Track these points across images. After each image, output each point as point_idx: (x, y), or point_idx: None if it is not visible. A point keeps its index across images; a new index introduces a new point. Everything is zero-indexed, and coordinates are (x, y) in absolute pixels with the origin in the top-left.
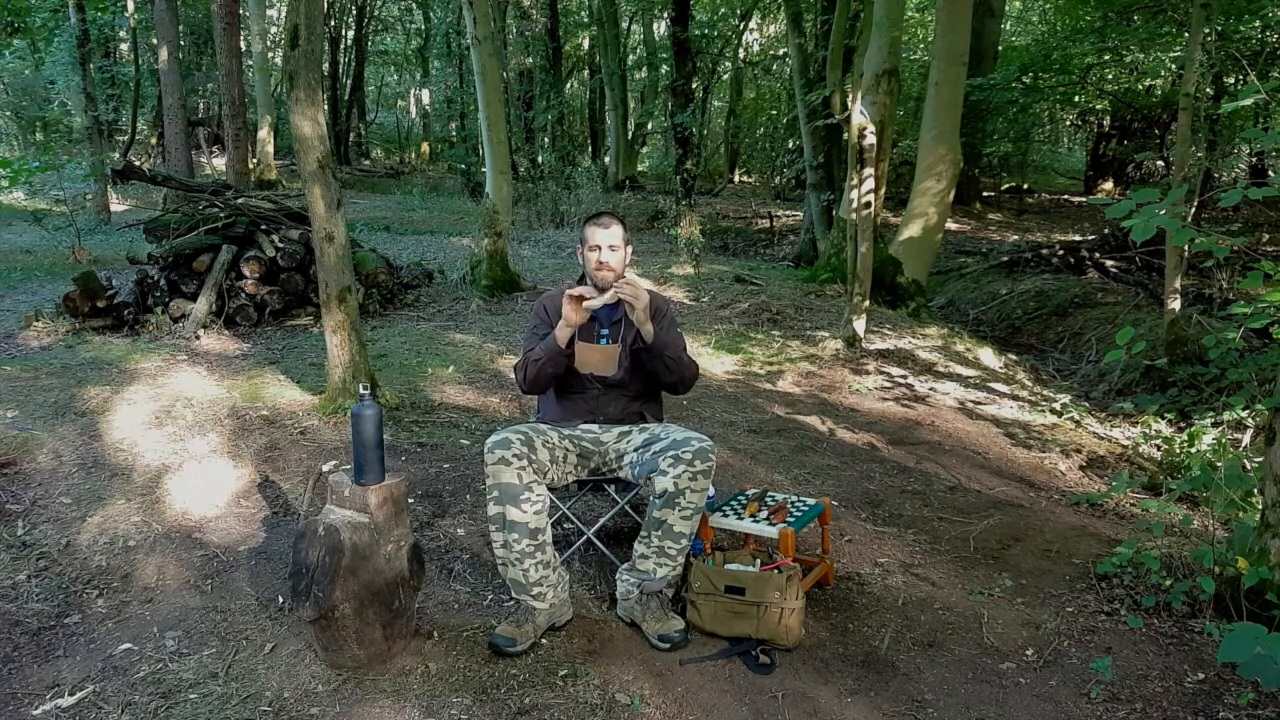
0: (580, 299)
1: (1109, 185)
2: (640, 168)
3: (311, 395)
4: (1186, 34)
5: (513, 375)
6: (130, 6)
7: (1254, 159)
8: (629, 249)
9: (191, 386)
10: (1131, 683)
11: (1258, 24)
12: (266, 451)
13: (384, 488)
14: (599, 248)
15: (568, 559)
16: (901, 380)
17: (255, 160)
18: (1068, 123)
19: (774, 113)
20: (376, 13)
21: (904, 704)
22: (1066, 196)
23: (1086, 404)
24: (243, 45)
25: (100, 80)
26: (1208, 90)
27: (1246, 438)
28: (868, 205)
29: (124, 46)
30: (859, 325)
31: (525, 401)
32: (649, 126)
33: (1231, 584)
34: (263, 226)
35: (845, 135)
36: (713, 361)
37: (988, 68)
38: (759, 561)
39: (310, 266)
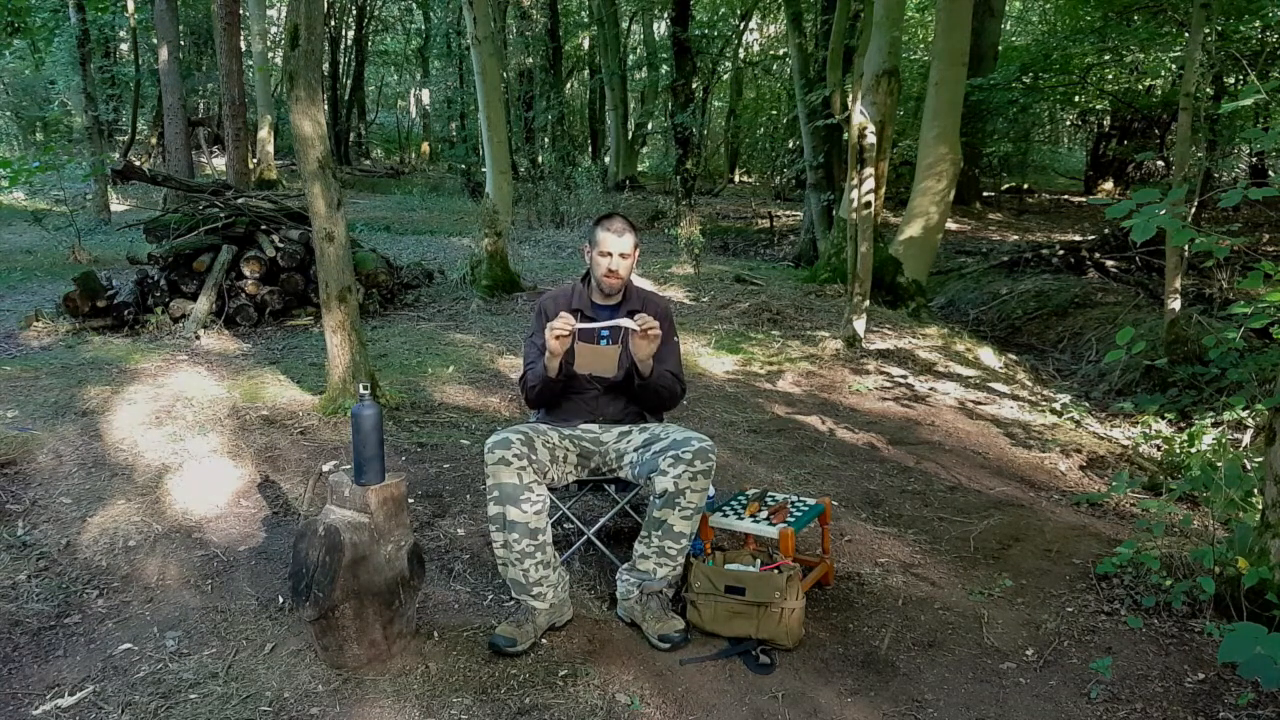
0: (565, 332)
1: (1109, 185)
2: (640, 168)
3: (311, 395)
4: (1186, 34)
5: (513, 375)
6: (130, 6)
7: (1254, 159)
8: (637, 253)
9: (192, 386)
10: (1131, 683)
11: (1258, 24)
12: (266, 451)
13: (384, 488)
14: (610, 254)
15: (568, 559)
16: (901, 380)
17: (255, 160)
18: (1068, 123)
19: (774, 113)
20: (376, 13)
21: (904, 704)
22: (1066, 196)
23: (1086, 404)
24: (243, 45)
25: (100, 80)
26: (1208, 90)
27: (1246, 438)
28: (868, 205)
29: (124, 46)
30: (859, 325)
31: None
32: (649, 126)
33: (1231, 584)
34: (263, 226)
35: (845, 135)
36: (713, 361)
37: (988, 68)
38: (759, 561)
39: (310, 266)
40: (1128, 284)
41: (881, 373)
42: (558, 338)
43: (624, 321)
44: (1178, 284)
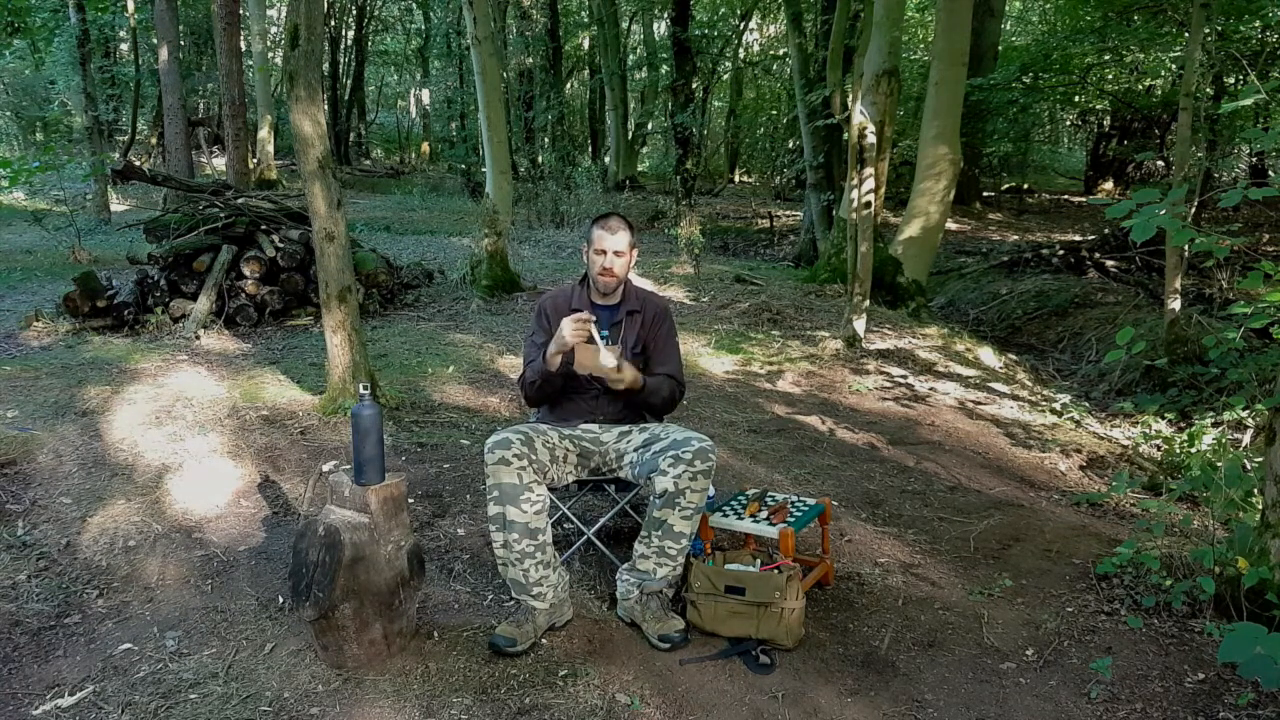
0: (582, 324)
1: (1109, 185)
2: (640, 168)
3: (311, 395)
4: (1186, 34)
5: (513, 375)
6: (130, 6)
7: (1254, 159)
8: (634, 252)
9: (192, 386)
10: (1131, 683)
11: (1258, 24)
12: (266, 451)
13: (384, 488)
14: (604, 252)
15: (568, 559)
16: (901, 380)
17: (255, 160)
18: (1068, 123)
19: (774, 113)
20: (376, 13)
21: (904, 704)
22: (1066, 196)
23: (1086, 404)
24: (243, 45)
25: (100, 80)
26: (1208, 90)
27: (1246, 438)
28: (868, 205)
29: (124, 46)
30: (859, 325)
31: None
32: (649, 126)
33: (1231, 584)
34: (263, 226)
35: (845, 135)
36: (713, 361)
37: (988, 68)
38: (759, 561)
39: (310, 266)
40: (1128, 284)
41: (881, 373)
42: (575, 331)
43: (605, 360)
44: (1178, 284)
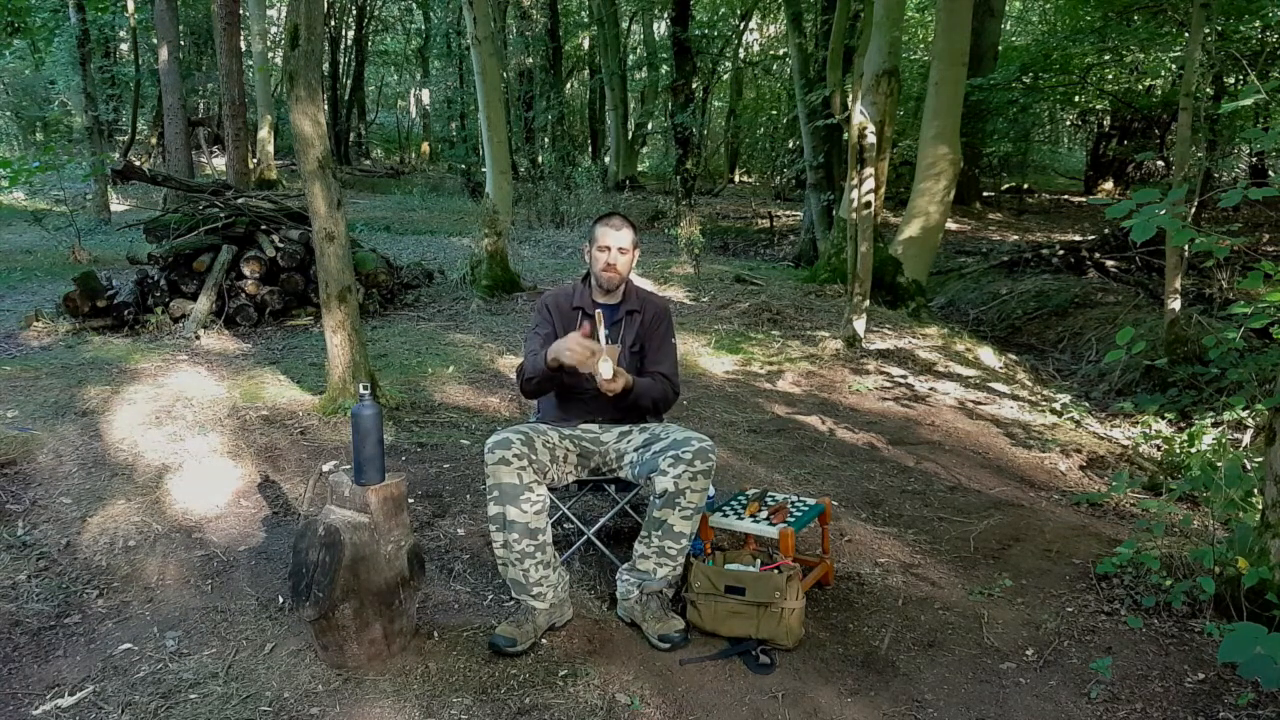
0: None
1: (1109, 185)
2: (640, 168)
3: (311, 395)
4: (1186, 34)
5: (513, 376)
6: (130, 6)
7: (1254, 159)
8: (636, 251)
9: (192, 386)
10: (1131, 683)
11: (1258, 24)
12: (266, 451)
13: (384, 488)
14: (608, 249)
15: (568, 559)
16: (901, 380)
17: (255, 160)
18: (1068, 123)
19: (774, 113)
20: (376, 13)
21: (904, 704)
22: (1066, 196)
23: (1086, 404)
24: (243, 45)
25: (100, 80)
26: (1208, 90)
27: (1246, 438)
28: (868, 205)
29: (124, 46)
30: (859, 325)
31: (525, 402)
32: (649, 126)
33: (1231, 584)
34: (263, 226)
35: (845, 135)
36: (713, 361)
37: (988, 68)
38: (759, 561)
39: (310, 266)
40: (1128, 284)
41: (881, 373)
42: (578, 353)
43: (603, 369)
44: (1178, 284)
